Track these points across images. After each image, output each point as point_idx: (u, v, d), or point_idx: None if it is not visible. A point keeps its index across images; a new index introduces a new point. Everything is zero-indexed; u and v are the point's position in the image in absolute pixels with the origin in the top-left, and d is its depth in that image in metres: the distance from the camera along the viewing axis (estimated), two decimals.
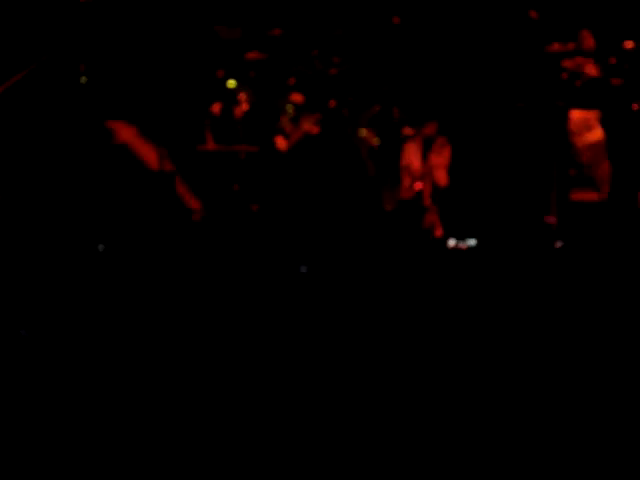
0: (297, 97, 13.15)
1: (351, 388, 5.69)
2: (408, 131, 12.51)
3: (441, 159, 12.16)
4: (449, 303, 6.36)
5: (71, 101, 12.98)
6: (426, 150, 12.17)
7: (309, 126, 13.05)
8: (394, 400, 5.62)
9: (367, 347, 5.99)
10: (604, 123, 13.01)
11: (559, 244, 9.46)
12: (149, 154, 12.51)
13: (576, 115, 13.06)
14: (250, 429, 5.60)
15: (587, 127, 13.04)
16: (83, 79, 12.99)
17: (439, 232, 11.43)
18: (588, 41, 13.25)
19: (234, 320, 6.46)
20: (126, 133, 12.64)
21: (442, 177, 12.10)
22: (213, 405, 5.78)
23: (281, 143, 13.19)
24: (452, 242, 10.26)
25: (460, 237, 10.38)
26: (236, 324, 6.40)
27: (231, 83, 13.12)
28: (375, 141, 12.82)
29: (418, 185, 11.88)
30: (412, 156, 12.03)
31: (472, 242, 9.85)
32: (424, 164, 12.09)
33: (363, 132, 12.85)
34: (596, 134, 13.00)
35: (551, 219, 11.73)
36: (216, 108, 13.25)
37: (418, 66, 13.39)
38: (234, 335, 6.35)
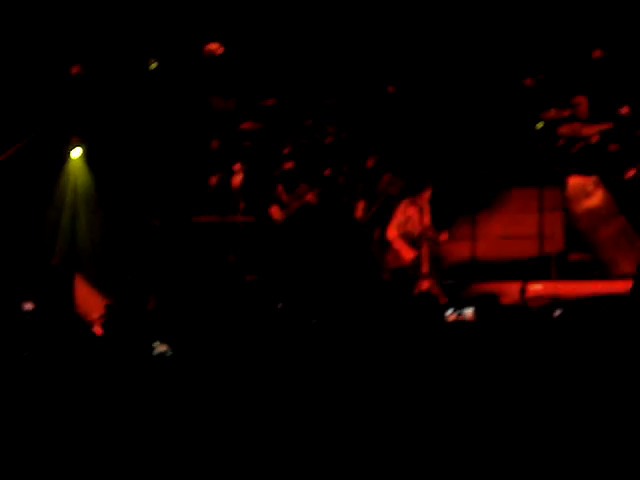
0: (292, 166, 13.09)
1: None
2: (403, 197, 12.41)
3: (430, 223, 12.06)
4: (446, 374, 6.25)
5: (64, 171, 12.95)
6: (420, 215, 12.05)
7: (309, 197, 12.96)
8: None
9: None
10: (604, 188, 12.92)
11: (558, 312, 9.31)
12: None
13: (573, 181, 12.98)
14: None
15: (585, 193, 12.95)
16: (77, 150, 12.95)
17: (443, 300, 11.29)
18: (583, 107, 13.21)
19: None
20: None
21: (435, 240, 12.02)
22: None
23: (277, 213, 13.09)
24: (450, 312, 10.09)
25: (457, 307, 10.23)
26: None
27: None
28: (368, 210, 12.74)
29: (412, 252, 11.74)
30: (413, 220, 11.91)
31: (469, 312, 9.70)
32: (421, 228, 11.98)
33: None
34: (594, 200, 12.90)
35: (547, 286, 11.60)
36: (213, 179, 13.20)
37: (413, 133, 13.34)
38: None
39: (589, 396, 5.82)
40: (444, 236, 11.91)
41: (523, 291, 9.26)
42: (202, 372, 6.55)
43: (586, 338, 6.81)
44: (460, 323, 9.33)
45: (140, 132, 13.08)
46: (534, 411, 5.75)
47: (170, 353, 7.36)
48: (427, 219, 12.02)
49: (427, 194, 12.02)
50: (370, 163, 13.06)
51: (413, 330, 7.29)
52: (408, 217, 11.88)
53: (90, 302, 12.15)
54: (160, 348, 7.50)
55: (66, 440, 5.76)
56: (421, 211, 11.89)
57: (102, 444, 5.72)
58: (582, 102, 13.23)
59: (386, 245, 11.99)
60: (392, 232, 11.89)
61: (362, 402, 5.95)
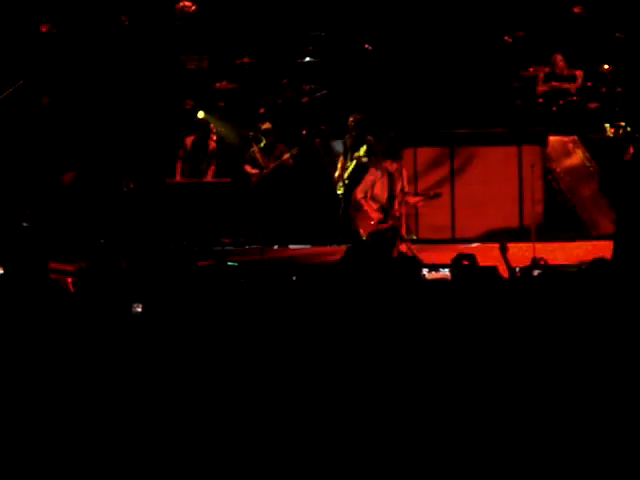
0: (268, 126, 12.86)
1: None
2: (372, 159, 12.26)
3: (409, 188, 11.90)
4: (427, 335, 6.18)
5: (36, 133, 12.72)
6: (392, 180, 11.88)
7: (286, 158, 12.76)
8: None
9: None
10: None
11: (537, 272, 9.20)
12: None
13: (554, 140, 12.85)
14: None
15: (565, 152, 12.83)
16: (47, 110, 12.74)
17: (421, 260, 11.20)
18: (560, 65, 13.08)
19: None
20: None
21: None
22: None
23: (252, 173, 12.89)
24: (426, 271, 10.02)
25: (433, 267, 10.15)
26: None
27: (201, 114, 12.86)
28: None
29: (378, 214, 11.62)
30: (381, 184, 11.75)
31: (445, 271, 9.62)
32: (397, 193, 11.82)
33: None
34: (574, 159, 12.79)
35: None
36: (188, 140, 12.98)
37: (390, 92, 13.16)
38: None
39: (563, 355, 5.74)
40: (417, 200, 11.82)
41: (504, 249, 9.14)
42: (178, 330, 6.46)
43: (565, 299, 6.75)
44: (436, 282, 9.26)
45: (113, 92, 12.85)
46: (510, 369, 5.66)
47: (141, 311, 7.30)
48: (405, 184, 11.85)
49: (397, 159, 11.79)
50: (349, 123, 12.87)
51: (391, 287, 7.26)
52: (373, 180, 11.71)
53: (65, 265, 11.98)
54: (138, 308, 7.45)
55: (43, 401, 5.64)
56: (391, 176, 11.71)
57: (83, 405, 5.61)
58: (559, 60, 13.10)
59: (360, 207, 11.86)
60: (359, 194, 11.77)
61: (341, 356, 5.87)
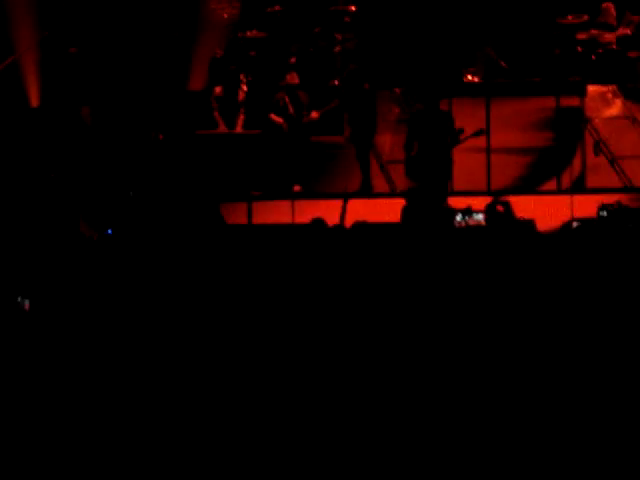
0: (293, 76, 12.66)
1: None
2: None
3: None
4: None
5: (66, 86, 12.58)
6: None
7: (316, 113, 12.56)
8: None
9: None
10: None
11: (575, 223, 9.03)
12: None
13: (593, 89, 12.58)
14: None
15: (605, 101, 12.59)
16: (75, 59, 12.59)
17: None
18: (610, 14, 12.81)
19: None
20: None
21: None
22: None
23: (278, 122, 12.65)
24: (459, 218, 9.75)
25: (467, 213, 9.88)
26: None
27: None
28: None
29: None
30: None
31: (479, 217, 9.40)
32: None
33: None
34: (614, 109, 12.54)
35: None
36: (217, 90, 12.79)
37: (425, 40, 12.93)
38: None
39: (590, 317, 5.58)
40: None
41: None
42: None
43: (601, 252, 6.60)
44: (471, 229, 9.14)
45: (141, 39, 12.68)
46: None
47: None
48: None
49: None
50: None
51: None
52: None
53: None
54: None
55: None
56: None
57: None
58: (610, 7, 12.84)
59: None
60: None
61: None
